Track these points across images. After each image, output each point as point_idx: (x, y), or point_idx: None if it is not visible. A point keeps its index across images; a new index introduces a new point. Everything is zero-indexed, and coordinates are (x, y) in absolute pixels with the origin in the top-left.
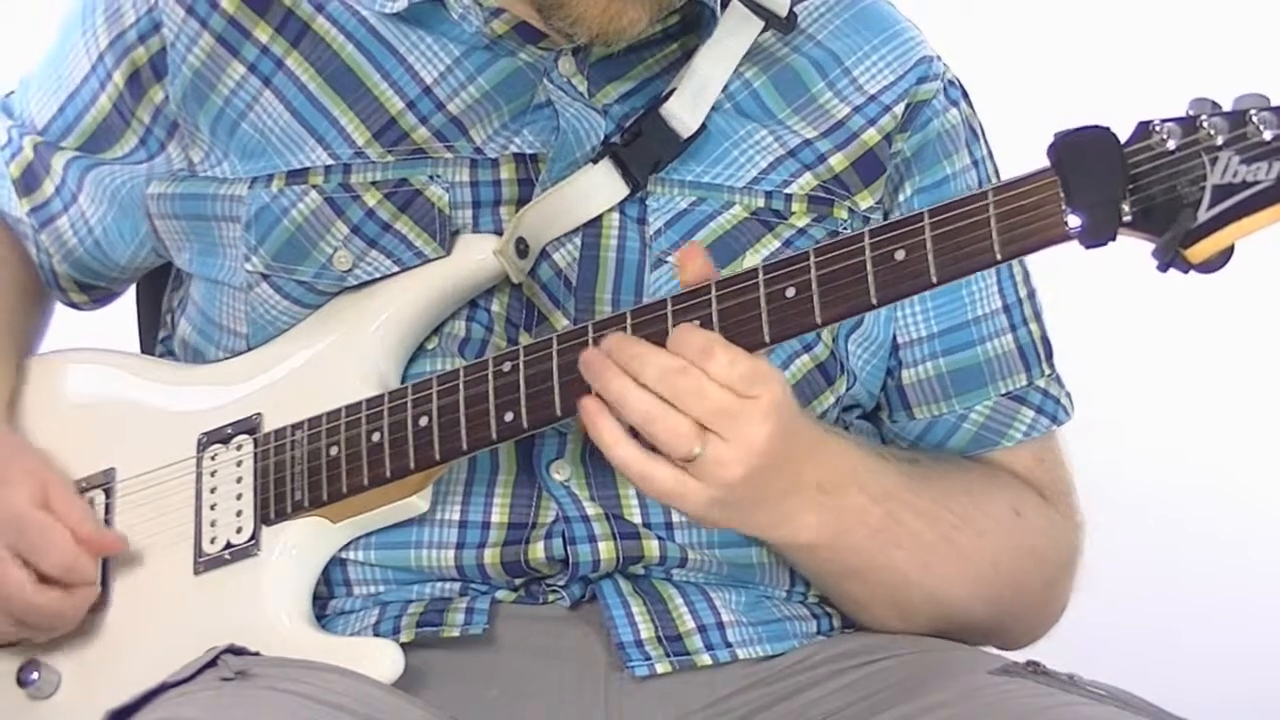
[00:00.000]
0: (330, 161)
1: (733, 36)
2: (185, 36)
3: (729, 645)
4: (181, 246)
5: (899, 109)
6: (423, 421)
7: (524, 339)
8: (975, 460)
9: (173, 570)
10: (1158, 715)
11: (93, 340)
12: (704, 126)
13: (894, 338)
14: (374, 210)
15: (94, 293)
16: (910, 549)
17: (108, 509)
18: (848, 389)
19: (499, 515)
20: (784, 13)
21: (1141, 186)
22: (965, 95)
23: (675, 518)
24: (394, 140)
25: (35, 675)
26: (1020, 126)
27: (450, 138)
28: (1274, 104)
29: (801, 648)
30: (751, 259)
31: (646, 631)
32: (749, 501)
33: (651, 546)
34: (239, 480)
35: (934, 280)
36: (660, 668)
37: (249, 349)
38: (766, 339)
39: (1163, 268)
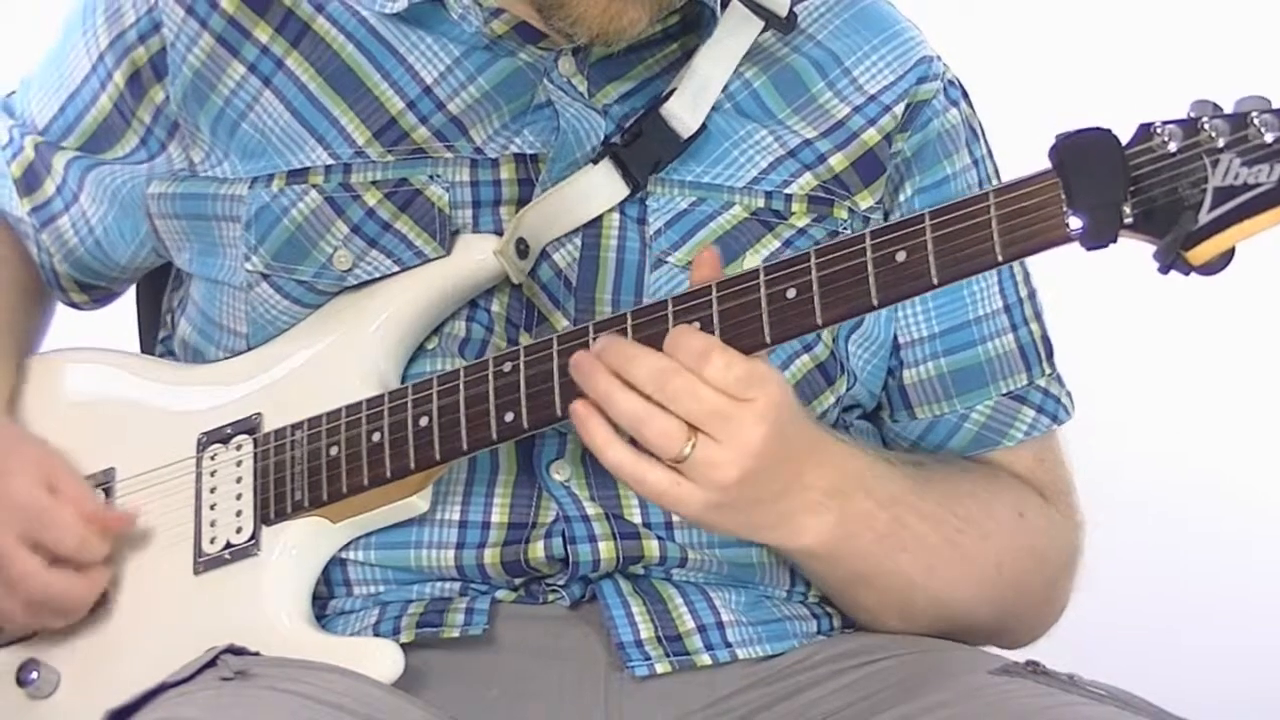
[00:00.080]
0: (330, 161)
1: (733, 36)
2: (185, 36)
3: (729, 645)
4: (182, 246)
5: (899, 109)
6: (423, 421)
7: (524, 339)
8: (977, 461)
9: (172, 570)
10: (1158, 715)
11: (93, 340)
12: (704, 126)
13: (895, 338)
14: (374, 210)
15: (94, 293)
16: (916, 553)
17: None
18: (848, 389)
19: (499, 515)
20: (784, 13)
21: (1143, 189)
22: (965, 95)
23: (675, 518)
24: (394, 140)
25: (34, 675)
26: (1020, 126)
27: (450, 138)
28: (1275, 106)
29: (801, 648)
30: (752, 259)
31: (646, 631)
32: (746, 503)
33: (651, 546)
34: (239, 480)
35: (935, 281)
36: (660, 668)
37: (249, 349)
38: (767, 340)
39: (1164, 270)
